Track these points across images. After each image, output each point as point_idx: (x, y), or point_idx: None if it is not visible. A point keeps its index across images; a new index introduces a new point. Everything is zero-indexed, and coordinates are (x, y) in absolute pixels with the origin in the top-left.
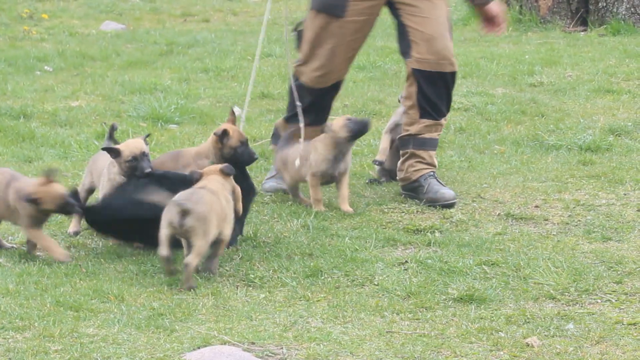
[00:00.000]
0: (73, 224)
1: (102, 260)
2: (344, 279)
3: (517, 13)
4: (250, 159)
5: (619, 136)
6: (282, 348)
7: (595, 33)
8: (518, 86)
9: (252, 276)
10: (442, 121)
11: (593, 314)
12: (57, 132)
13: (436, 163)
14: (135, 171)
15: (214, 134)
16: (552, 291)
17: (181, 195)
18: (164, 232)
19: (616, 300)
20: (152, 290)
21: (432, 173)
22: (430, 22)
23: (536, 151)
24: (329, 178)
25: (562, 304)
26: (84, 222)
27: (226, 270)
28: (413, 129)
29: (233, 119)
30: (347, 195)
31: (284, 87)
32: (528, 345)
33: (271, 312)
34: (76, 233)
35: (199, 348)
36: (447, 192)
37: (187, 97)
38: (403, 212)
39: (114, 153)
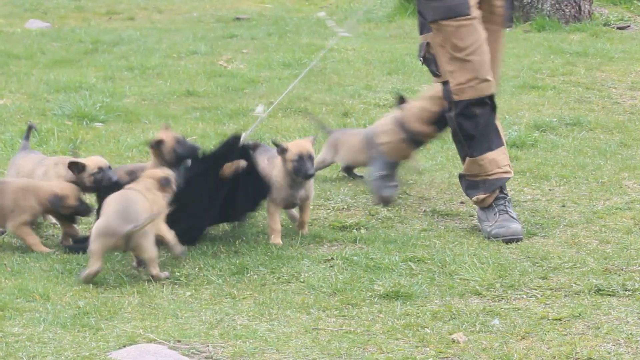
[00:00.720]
0: None
1: (27, 259)
2: (270, 276)
3: None
4: (193, 150)
5: (544, 132)
6: (208, 346)
7: (521, 29)
8: None
9: (178, 274)
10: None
11: (518, 310)
12: None
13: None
14: (101, 182)
15: (149, 146)
16: (477, 287)
17: (114, 215)
18: (95, 247)
19: (541, 296)
20: (78, 289)
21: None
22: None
23: None
24: (291, 205)
25: (488, 299)
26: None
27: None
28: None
29: (166, 125)
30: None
31: (209, 84)
32: (454, 341)
33: (197, 310)
34: (1, 233)
35: (124, 347)
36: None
37: (112, 95)
38: (329, 209)
39: (79, 168)
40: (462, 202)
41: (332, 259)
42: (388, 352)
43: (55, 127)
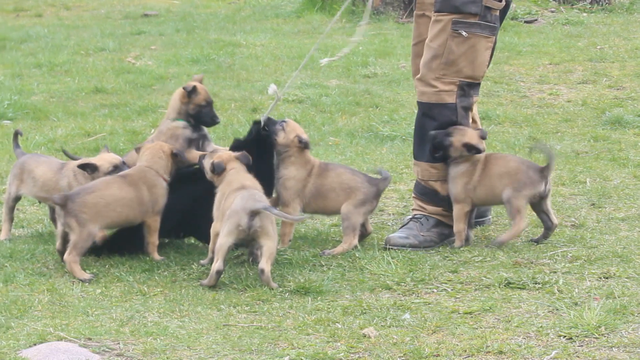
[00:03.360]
0: None
1: None
2: (181, 272)
3: (350, 4)
4: (212, 121)
5: None
6: (118, 343)
7: None
8: (352, 77)
9: (88, 272)
10: None
11: (429, 304)
12: None
13: None
14: None
15: (183, 88)
16: (388, 281)
17: (244, 198)
18: (226, 242)
19: (452, 290)
20: None
21: None
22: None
23: (371, 142)
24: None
25: (398, 294)
26: None
27: (61, 266)
28: None
29: (200, 79)
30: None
31: (117, 81)
32: (365, 336)
33: (107, 307)
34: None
35: (35, 345)
36: None
37: (21, 92)
38: None
39: (91, 168)
40: None
41: (242, 254)
42: (299, 348)
43: None
